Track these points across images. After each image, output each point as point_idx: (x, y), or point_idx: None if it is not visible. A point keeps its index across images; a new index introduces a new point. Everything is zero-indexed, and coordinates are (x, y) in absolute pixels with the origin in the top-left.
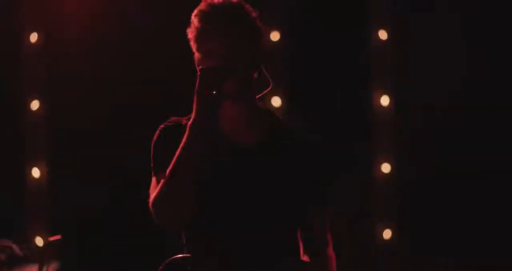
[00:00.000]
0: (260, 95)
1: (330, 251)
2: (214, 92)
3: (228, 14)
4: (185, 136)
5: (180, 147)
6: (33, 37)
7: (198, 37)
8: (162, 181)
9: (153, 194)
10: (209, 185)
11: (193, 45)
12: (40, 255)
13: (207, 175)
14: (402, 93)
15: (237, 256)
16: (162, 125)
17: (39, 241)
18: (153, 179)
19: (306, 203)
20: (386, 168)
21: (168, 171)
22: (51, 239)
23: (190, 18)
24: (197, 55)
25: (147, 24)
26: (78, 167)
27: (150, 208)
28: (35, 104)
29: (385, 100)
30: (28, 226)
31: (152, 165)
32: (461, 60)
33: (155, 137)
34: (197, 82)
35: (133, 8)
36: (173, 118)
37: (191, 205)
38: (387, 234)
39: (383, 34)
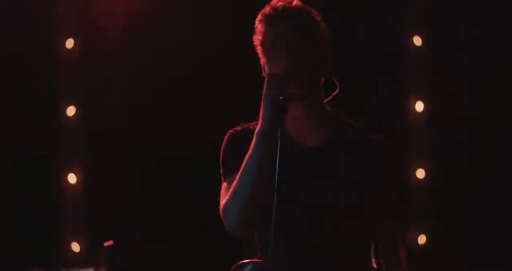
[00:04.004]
0: (328, 98)
1: (403, 257)
2: (281, 97)
3: (293, 17)
4: (252, 142)
5: (248, 154)
6: (69, 43)
7: (264, 41)
8: (232, 186)
9: (223, 199)
10: (276, 188)
11: (259, 50)
12: (95, 260)
13: (274, 179)
14: (436, 99)
15: (306, 259)
16: (230, 131)
17: (75, 247)
18: (223, 185)
19: (375, 206)
20: (420, 173)
21: (237, 177)
22: (106, 244)
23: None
24: (263, 60)
25: (184, 27)
26: (114, 172)
27: (221, 213)
28: (71, 110)
29: (419, 106)
30: (65, 232)
31: (221, 171)
32: (495, 65)
33: (223, 143)
34: (264, 89)
35: (169, 12)
36: (242, 124)
37: (260, 209)
38: (421, 239)
39: (417, 40)
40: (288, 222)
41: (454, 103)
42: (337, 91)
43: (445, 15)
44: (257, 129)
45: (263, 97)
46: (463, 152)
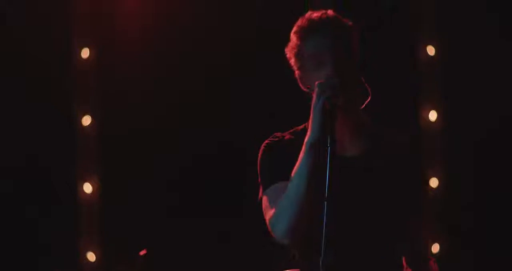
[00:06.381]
0: (362, 106)
1: (433, 263)
2: (330, 105)
3: (330, 27)
4: (302, 151)
5: (297, 163)
6: (85, 52)
7: (302, 54)
8: (283, 196)
9: (267, 210)
10: (319, 197)
11: (294, 63)
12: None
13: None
14: (450, 108)
15: (345, 267)
16: (266, 141)
17: (91, 257)
18: (264, 197)
19: (408, 213)
20: (434, 182)
21: (288, 185)
22: (141, 253)
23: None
24: (298, 72)
25: (199, 36)
26: (130, 181)
27: (268, 224)
28: (86, 120)
29: (433, 116)
30: (80, 241)
31: (260, 181)
32: (509, 74)
33: (260, 154)
34: (313, 98)
35: (185, 20)
36: (277, 134)
37: (309, 217)
38: (435, 248)
39: (431, 50)
40: (335, 229)
41: (468, 112)
42: (369, 98)
43: (459, 25)
44: (306, 139)
45: (312, 106)
46: (477, 160)
